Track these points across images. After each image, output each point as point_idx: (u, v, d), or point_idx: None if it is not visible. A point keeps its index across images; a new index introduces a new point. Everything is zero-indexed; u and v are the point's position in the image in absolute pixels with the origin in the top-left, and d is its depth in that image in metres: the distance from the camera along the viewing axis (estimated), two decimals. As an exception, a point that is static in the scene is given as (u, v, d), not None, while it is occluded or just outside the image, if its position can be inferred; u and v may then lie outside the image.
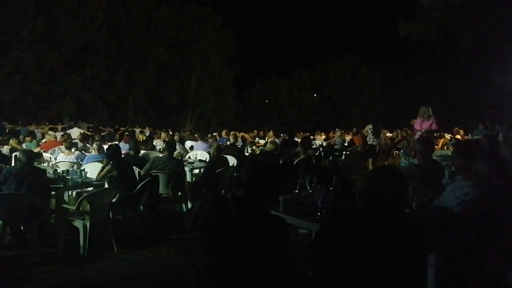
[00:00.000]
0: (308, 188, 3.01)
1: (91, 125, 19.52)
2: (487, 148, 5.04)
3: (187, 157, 8.03)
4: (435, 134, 8.50)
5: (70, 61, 23.83)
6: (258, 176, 1.93)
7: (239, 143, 10.55)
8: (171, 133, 13.88)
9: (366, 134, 11.49)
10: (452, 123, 18.80)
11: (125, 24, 26.49)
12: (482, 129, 11.98)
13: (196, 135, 10.90)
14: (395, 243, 1.79)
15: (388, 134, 14.37)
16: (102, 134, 15.12)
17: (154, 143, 9.89)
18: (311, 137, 14.62)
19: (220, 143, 9.18)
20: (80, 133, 12.86)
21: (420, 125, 7.81)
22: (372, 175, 1.95)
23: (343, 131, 13.77)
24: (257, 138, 14.40)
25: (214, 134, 13.42)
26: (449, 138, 12.70)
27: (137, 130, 16.35)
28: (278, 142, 9.00)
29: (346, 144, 11.23)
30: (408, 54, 28.68)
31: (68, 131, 14.15)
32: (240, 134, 14.39)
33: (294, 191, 2.99)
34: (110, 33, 25.17)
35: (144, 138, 10.82)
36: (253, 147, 9.94)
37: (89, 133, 14.19)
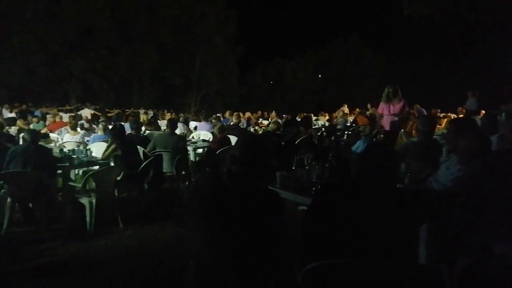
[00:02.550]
0: (306, 165, 3.09)
1: (97, 107, 19.62)
2: (488, 126, 5.08)
3: (190, 137, 8.13)
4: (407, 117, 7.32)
5: (74, 43, 23.81)
6: (251, 151, 1.99)
7: (242, 124, 10.63)
8: (173, 115, 13.95)
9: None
10: (457, 103, 18.67)
11: (127, 5, 26.24)
12: (471, 98, 11.40)
13: (200, 116, 10.98)
14: (384, 216, 1.87)
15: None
16: (109, 115, 15.23)
17: (159, 124, 9.99)
18: (315, 117, 14.69)
19: (224, 123, 9.26)
20: (91, 114, 12.99)
21: (389, 109, 6.68)
22: (364, 151, 2.02)
23: (346, 112, 13.73)
24: (260, 119, 14.45)
25: (218, 115, 13.49)
26: (453, 118, 12.62)
27: (141, 111, 16.45)
28: (281, 122, 9.04)
29: (348, 124, 11.26)
30: (412, 35, 28.24)
31: (79, 112, 14.26)
32: (247, 115, 14.46)
33: (292, 168, 3.08)
34: (112, 15, 25.00)
35: (147, 119, 10.92)
36: (256, 127, 10.01)
37: (99, 114, 14.26)
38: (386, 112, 6.69)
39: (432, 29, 20.13)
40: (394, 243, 1.84)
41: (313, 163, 2.82)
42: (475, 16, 14.18)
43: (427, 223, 2.36)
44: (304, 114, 13.08)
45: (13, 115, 13.03)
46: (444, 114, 14.43)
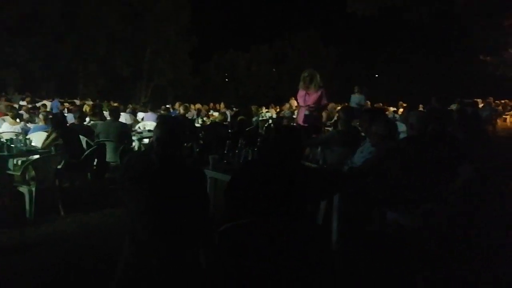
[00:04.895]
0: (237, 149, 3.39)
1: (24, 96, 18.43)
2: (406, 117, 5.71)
3: (136, 127, 8.16)
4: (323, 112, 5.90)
5: (14, 28, 22.32)
6: (169, 130, 2.24)
7: (193, 115, 10.77)
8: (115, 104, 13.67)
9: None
10: (400, 95, 20.13)
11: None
12: (357, 94, 10.91)
13: (147, 107, 10.97)
14: (288, 189, 2.18)
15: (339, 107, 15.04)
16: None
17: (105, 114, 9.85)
18: (266, 110, 15.20)
19: (173, 115, 9.38)
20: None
21: (305, 98, 5.49)
22: (273, 134, 2.34)
23: (295, 105, 14.26)
24: (211, 111, 14.66)
25: (167, 106, 13.47)
26: (392, 111, 13.55)
27: (77, 102, 15.77)
28: (228, 114, 9.33)
29: (294, 116, 11.75)
30: (361, 30, 29.70)
31: (38, 104, 13.53)
32: (197, 106, 14.61)
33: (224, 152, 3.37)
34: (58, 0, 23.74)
35: (89, 109, 10.68)
36: (204, 118, 10.22)
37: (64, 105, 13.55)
38: (302, 102, 5.55)
39: (376, 24, 21.44)
40: (297, 209, 2.18)
41: (242, 147, 3.12)
42: (415, 12, 15.39)
43: (329, 197, 2.76)
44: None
45: None
46: (385, 107, 15.40)
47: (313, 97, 5.44)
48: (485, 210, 4.32)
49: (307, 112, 5.42)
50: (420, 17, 15.47)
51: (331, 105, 12.66)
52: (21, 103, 12.32)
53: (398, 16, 16.67)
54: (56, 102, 14.08)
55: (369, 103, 11.37)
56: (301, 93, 5.61)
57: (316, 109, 5.44)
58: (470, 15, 14.38)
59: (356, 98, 10.45)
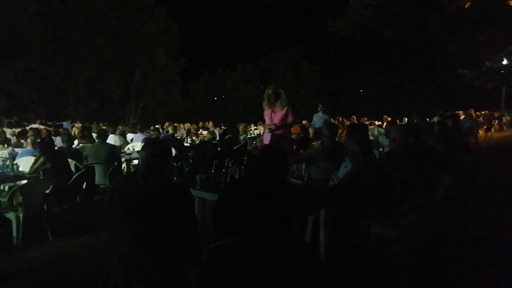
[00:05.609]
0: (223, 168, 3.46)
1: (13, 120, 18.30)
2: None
3: (126, 148, 8.17)
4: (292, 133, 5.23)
5: (0, 52, 22.31)
6: (152, 154, 2.31)
7: (182, 134, 10.83)
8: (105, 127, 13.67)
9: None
10: (385, 110, 20.63)
11: (61, 13, 25.22)
12: (320, 113, 10.18)
13: (136, 128, 11.00)
14: (274, 206, 2.25)
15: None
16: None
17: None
18: (254, 127, 15.40)
19: (162, 135, 9.43)
20: (41, 129, 12.30)
21: (271, 116, 5.12)
22: (259, 152, 2.43)
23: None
24: (200, 130, 14.78)
25: (157, 126, 13.54)
26: (377, 125, 13.82)
27: (69, 125, 15.73)
28: (217, 133, 9.42)
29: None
30: (344, 47, 30.56)
31: (28, 128, 13.44)
32: (186, 126, 14.76)
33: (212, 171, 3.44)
34: (45, 23, 23.88)
35: (77, 132, 10.67)
36: (193, 138, 10.29)
37: (51, 129, 13.44)
38: (268, 121, 5.17)
39: (356, 43, 22.13)
40: (283, 226, 2.25)
41: (229, 165, 3.19)
42: (392, 32, 16.01)
43: (314, 212, 2.83)
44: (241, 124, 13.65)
45: None
46: (370, 121, 15.70)
47: (279, 114, 5.09)
48: (469, 218, 4.44)
49: (267, 131, 5.14)
50: (399, 35, 16.10)
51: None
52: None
53: (378, 35, 17.32)
54: (67, 124, 13.97)
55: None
56: (267, 111, 5.20)
57: (281, 127, 5.08)
58: (445, 31, 14.99)
59: (320, 119, 9.79)
